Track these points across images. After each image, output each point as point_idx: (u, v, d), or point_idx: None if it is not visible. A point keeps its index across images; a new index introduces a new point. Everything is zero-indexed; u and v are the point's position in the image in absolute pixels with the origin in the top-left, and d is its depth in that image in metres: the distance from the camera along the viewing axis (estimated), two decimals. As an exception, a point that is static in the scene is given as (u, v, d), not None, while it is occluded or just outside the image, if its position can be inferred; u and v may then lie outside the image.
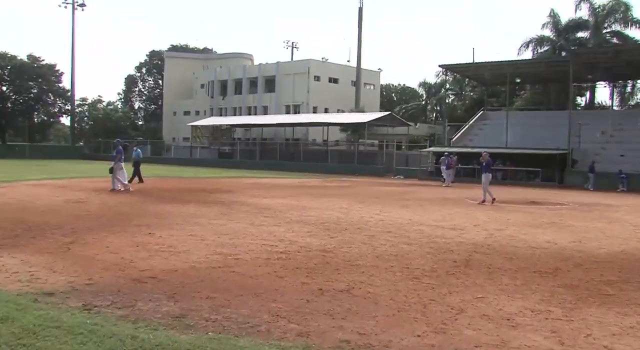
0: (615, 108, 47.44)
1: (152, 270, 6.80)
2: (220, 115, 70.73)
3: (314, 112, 62.04)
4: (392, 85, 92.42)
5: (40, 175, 26.65)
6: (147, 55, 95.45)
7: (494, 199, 18.20)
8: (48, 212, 12.48)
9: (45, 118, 76.86)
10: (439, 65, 44.74)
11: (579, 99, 54.63)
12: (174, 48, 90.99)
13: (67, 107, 73.12)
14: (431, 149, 41.72)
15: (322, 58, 66.53)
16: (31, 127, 74.21)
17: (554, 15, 49.48)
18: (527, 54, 49.46)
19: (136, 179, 22.40)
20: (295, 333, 4.58)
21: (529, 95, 56.26)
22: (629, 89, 52.41)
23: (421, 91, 77.02)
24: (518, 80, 45.37)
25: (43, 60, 72.03)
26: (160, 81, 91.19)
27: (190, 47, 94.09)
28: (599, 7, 47.34)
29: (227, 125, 64.72)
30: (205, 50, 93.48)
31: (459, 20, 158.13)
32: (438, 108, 71.25)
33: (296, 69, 64.99)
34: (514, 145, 35.51)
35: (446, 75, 49.17)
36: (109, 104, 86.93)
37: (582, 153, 34.29)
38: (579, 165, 33.55)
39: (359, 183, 29.45)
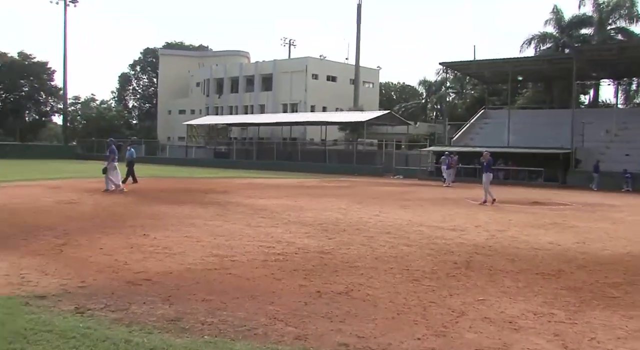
0: (619, 106, 47.47)
1: (146, 272, 6.79)
2: (216, 114, 70.68)
3: (311, 111, 62.00)
4: (392, 83, 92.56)
5: (32, 176, 26.60)
6: (141, 52, 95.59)
7: (494, 200, 18.22)
8: (40, 213, 12.46)
9: (37, 117, 76.86)
10: (440, 63, 44.93)
11: (582, 97, 54.71)
12: (168, 45, 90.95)
13: (59, 106, 73.15)
14: (431, 148, 41.72)
15: (320, 56, 66.59)
16: (23, 126, 74.12)
17: (557, 12, 49.48)
18: (530, 51, 49.53)
19: (130, 179, 22.39)
20: (293, 336, 4.58)
21: (531, 94, 56.27)
22: (634, 86, 52.41)
23: (421, 89, 77.11)
24: (520, 78, 45.37)
25: (34, 57, 72.08)
26: (155, 79, 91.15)
27: (186, 44, 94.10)
28: (604, 2, 47.32)
29: (223, 124, 64.70)
30: (201, 48, 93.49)
31: (459, 20, 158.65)
32: (438, 107, 71.28)
33: (294, 67, 64.97)
34: (515, 145, 35.55)
35: (447, 73, 49.30)
36: (102, 102, 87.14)
37: (586, 152, 34.30)
38: (583, 165, 33.56)
39: (357, 183, 29.45)
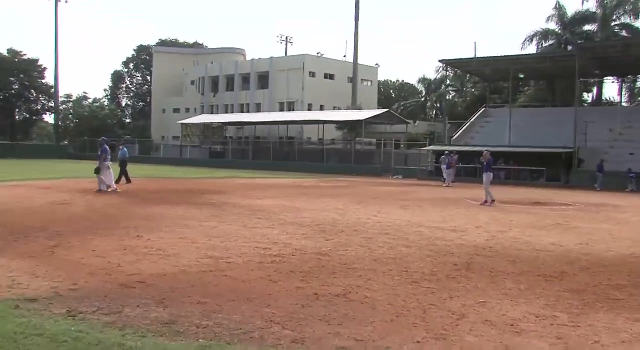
0: (624, 104, 47.63)
1: (140, 274, 6.78)
2: (212, 113, 70.70)
3: (309, 110, 62.03)
4: (391, 81, 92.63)
5: (23, 176, 26.55)
6: (134, 50, 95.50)
7: (493, 201, 18.23)
8: (31, 214, 12.44)
9: (28, 116, 76.71)
10: (440, 61, 45.03)
11: (585, 96, 54.85)
12: (163, 43, 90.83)
13: (50, 104, 73.01)
14: (431, 147, 41.76)
15: (318, 53, 66.59)
16: (13, 126, 73.98)
17: (559, 8, 49.56)
18: (532, 49, 49.64)
19: (123, 179, 22.38)
20: (290, 340, 4.57)
21: (533, 92, 56.40)
22: (638, 84, 52.60)
23: (421, 88, 77.30)
24: (522, 76, 45.45)
25: (25, 54, 71.96)
26: (148, 77, 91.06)
27: (180, 41, 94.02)
28: (608, -2, 47.48)
29: (218, 123, 64.68)
30: (196, 45, 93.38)
31: (459, 19, 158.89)
32: (438, 105, 71.42)
33: (290, 65, 64.98)
34: (517, 144, 35.64)
35: (447, 71, 49.26)
36: (95, 101, 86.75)
37: (589, 152, 34.34)
38: (586, 165, 33.61)
39: (356, 183, 29.47)
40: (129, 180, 22.64)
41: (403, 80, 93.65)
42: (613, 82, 48.76)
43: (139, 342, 4.36)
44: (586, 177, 31.99)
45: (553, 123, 37.66)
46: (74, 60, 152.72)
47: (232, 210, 14.10)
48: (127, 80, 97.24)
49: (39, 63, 72.56)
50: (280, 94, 65.63)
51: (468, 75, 57.75)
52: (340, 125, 55.10)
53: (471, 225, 12.61)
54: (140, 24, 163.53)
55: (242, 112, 67.94)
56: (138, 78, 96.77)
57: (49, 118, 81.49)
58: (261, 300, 5.75)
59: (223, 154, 57.08)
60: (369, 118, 48.49)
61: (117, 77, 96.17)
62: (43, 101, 74.54)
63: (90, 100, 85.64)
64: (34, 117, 77.86)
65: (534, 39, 49.83)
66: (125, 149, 24.50)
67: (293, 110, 63.16)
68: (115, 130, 73.58)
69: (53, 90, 69.97)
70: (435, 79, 66.69)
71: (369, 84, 70.88)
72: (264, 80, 68.17)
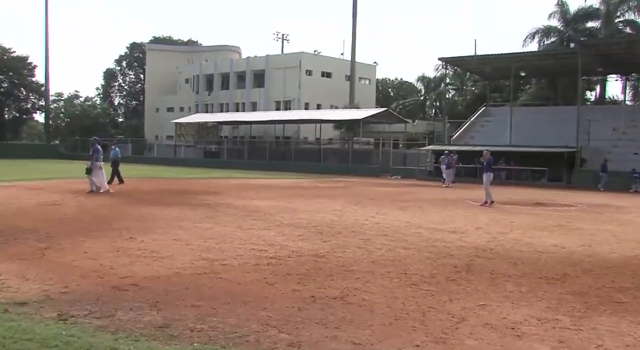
0: (627, 103, 47.68)
1: (133, 277, 6.78)
2: (206, 111, 70.64)
3: (305, 109, 61.96)
4: (389, 79, 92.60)
5: (12, 176, 26.50)
6: (127, 47, 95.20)
7: (492, 202, 18.25)
8: (20, 215, 12.42)
9: (17, 114, 76.42)
10: (439, 58, 45.00)
11: (588, 94, 54.87)
12: (156, 40, 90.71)
13: (41, 103, 72.78)
14: (430, 147, 41.76)
15: (315, 51, 66.58)
16: (2, 124, 73.72)
17: (562, 4, 49.60)
18: (533, 46, 49.65)
19: (116, 180, 22.37)
20: (286, 343, 4.57)
21: (534, 90, 56.43)
22: (643, 82, 52.65)
23: (419, 86, 77.43)
24: (523, 74, 45.50)
25: (14, 51, 71.62)
26: (141, 75, 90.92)
27: (174, 39, 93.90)
28: (611, -6, 47.53)
29: (213, 122, 64.65)
30: (190, 43, 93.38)
31: (459, 19, 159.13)
32: (437, 104, 71.53)
33: (287, 63, 64.95)
34: (518, 143, 35.65)
35: (446, 69, 49.25)
36: (86, 99, 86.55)
37: (592, 151, 34.37)
38: (588, 165, 33.67)
39: (353, 183, 29.48)
40: (121, 181, 22.63)
41: (402, 79, 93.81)
42: (616, 79, 48.95)
43: (132, 346, 4.35)
44: (589, 177, 32.03)
45: (555, 122, 37.67)
46: (65, 58, 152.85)
47: (227, 211, 14.10)
48: (119, 79, 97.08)
49: (29, 61, 72.36)
50: (277, 92, 65.60)
51: (468, 74, 57.84)
52: (338, 124, 55.12)
53: (471, 226, 12.63)
54: (133, 21, 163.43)
55: (238, 110, 67.87)
56: (131, 76, 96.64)
57: (39, 117, 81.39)
58: (257, 303, 5.75)
59: (218, 153, 57.06)
60: (366, 117, 48.48)
61: (110, 75, 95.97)
62: (33, 99, 74.30)
63: (81, 99, 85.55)
64: (24, 116, 77.57)
65: (536, 36, 49.87)
66: (118, 149, 24.53)
67: (289, 109, 63.12)
68: (107, 130, 73.44)
69: (43, 88, 69.82)
70: (435, 77, 66.83)
71: (367, 82, 70.88)
72: (259, 79, 68.14)
